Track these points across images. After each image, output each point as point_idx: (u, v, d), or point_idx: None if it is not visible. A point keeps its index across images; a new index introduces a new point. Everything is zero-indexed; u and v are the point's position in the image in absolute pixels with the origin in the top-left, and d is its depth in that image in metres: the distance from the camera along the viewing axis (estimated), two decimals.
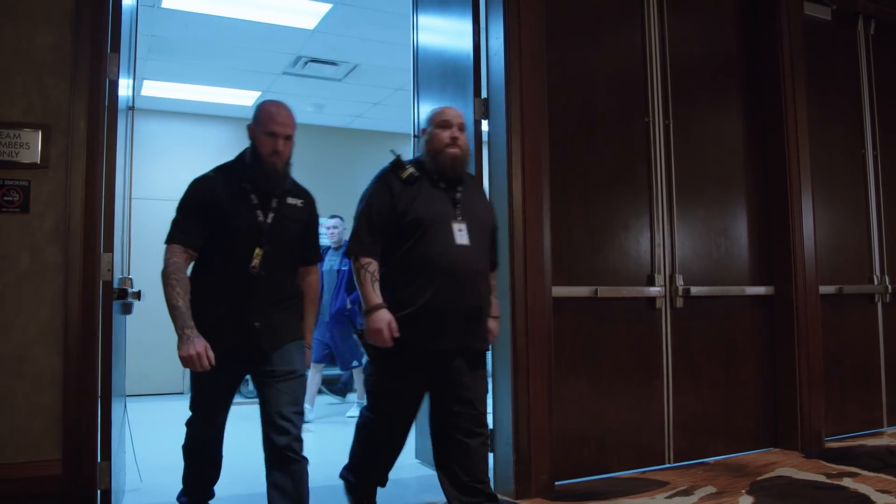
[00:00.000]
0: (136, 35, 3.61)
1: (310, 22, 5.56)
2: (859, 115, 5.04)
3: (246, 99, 7.55)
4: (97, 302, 2.87)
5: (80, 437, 2.82)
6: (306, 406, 5.59)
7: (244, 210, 2.54)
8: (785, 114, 4.42)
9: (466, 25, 3.68)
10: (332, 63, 6.46)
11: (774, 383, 4.40)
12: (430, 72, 4.18)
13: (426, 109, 4.32)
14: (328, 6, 5.29)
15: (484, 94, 3.67)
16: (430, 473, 3.89)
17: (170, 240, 2.53)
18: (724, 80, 4.47)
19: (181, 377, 7.45)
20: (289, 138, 2.59)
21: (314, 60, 6.38)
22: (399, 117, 7.78)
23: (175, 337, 2.44)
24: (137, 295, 3.24)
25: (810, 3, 4.74)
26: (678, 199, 4.12)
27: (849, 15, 5.05)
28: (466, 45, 3.68)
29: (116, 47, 2.97)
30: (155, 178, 7.59)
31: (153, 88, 7.15)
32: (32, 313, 2.82)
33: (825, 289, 4.52)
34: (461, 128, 2.82)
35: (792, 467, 3.88)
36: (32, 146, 2.83)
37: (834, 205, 4.79)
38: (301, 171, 2.81)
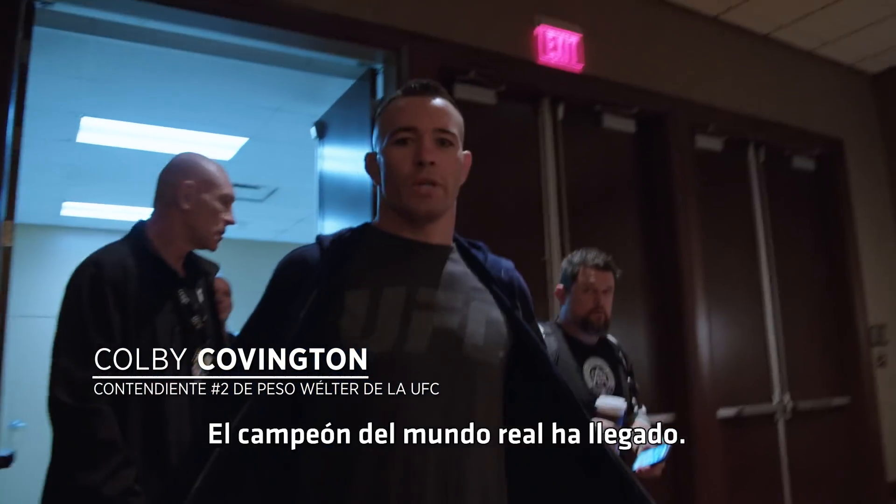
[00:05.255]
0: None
1: (227, 154, 5.68)
2: (753, 236, 5.26)
3: None
4: None
5: None
6: None
7: None
8: (678, 240, 4.60)
9: (362, 154, 3.81)
10: (253, 187, 6.58)
11: None
12: (333, 195, 4.33)
13: (330, 226, 4.40)
14: (244, 139, 5.44)
15: None
16: None
17: None
18: (620, 206, 4.64)
19: None
20: None
21: (235, 185, 6.44)
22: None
23: None
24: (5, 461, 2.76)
25: (701, 136, 5.02)
26: None
27: (740, 143, 5.32)
28: (363, 172, 3.79)
29: (11, 215, 3.02)
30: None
31: (73, 209, 7.14)
32: None
33: (725, 411, 4.64)
34: None
35: None
36: None
37: (733, 325, 4.96)
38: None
